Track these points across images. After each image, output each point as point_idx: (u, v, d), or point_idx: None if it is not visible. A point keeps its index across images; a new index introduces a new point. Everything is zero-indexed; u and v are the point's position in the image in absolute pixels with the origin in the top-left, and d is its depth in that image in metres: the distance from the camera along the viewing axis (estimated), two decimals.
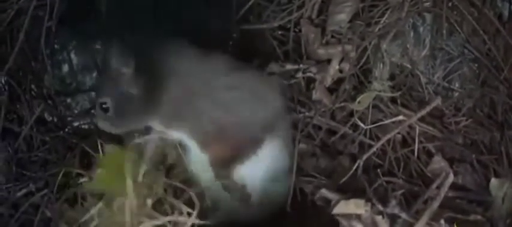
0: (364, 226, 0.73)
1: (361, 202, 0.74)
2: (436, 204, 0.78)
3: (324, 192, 0.79)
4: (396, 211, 0.74)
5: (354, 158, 0.89)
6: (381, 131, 0.90)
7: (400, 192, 0.80)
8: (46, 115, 0.97)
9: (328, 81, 0.93)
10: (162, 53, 0.75)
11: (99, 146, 0.82)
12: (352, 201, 0.75)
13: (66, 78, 0.99)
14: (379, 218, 0.73)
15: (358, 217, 0.74)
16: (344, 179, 0.84)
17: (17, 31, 0.95)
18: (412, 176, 0.88)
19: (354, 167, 0.84)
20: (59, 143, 0.94)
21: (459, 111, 0.94)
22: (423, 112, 0.86)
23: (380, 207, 0.74)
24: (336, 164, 0.89)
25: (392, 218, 0.74)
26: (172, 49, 0.76)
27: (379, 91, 0.91)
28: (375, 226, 0.74)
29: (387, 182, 0.84)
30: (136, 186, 0.68)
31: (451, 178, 0.80)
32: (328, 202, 0.82)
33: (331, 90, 0.94)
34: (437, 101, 0.85)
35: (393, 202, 0.74)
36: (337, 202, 0.75)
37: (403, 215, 0.75)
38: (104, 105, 0.74)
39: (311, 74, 0.93)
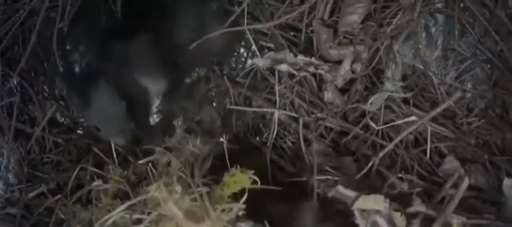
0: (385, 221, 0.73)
1: (381, 197, 0.73)
2: (451, 207, 0.78)
3: (340, 189, 0.78)
4: (423, 209, 0.73)
5: (364, 159, 0.89)
6: (393, 131, 0.90)
7: (416, 190, 0.80)
8: (58, 116, 0.97)
9: (340, 82, 0.93)
10: None
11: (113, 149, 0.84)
12: (372, 197, 0.74)
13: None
14: (396, 215, 0.73)
15: (377, 213, 0.73)
16: (358, 176, 0.84)
17: (29, 32, 0.96)
18: (424, 177, 0.88)
19: (368, 166, 0.85)
20: (71, 144, 0.94)
21: (471, 112, 0.93)
22: (441, 108, 0.86)
23: (397, 205, 0.73)
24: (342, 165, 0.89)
25: (409, 217, 0.74)
26: None
27: (391, 92, 0.90)
28: (392, 223, 0.73)
29: (401, 178, 0.84)
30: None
31: (466, 183, 0.80)
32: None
33: (343, 91, 0.94)
34: (457, 96, 0.87)
35: (418, 200, 0.74)
36: (357, 197, 0.74)
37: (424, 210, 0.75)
38: None
39: (322, 72, 0.93)
